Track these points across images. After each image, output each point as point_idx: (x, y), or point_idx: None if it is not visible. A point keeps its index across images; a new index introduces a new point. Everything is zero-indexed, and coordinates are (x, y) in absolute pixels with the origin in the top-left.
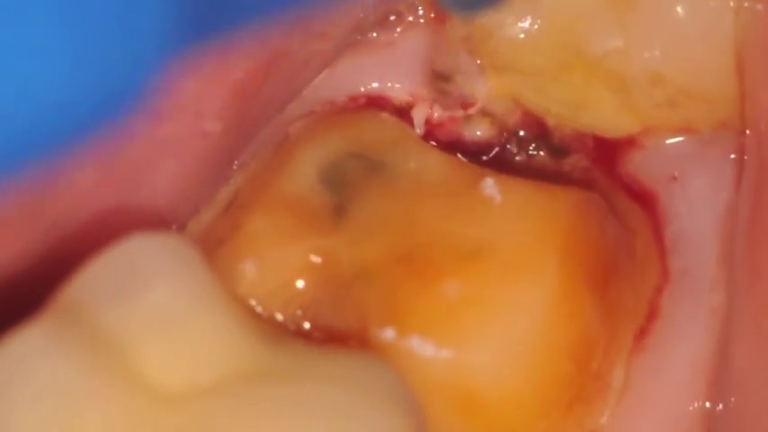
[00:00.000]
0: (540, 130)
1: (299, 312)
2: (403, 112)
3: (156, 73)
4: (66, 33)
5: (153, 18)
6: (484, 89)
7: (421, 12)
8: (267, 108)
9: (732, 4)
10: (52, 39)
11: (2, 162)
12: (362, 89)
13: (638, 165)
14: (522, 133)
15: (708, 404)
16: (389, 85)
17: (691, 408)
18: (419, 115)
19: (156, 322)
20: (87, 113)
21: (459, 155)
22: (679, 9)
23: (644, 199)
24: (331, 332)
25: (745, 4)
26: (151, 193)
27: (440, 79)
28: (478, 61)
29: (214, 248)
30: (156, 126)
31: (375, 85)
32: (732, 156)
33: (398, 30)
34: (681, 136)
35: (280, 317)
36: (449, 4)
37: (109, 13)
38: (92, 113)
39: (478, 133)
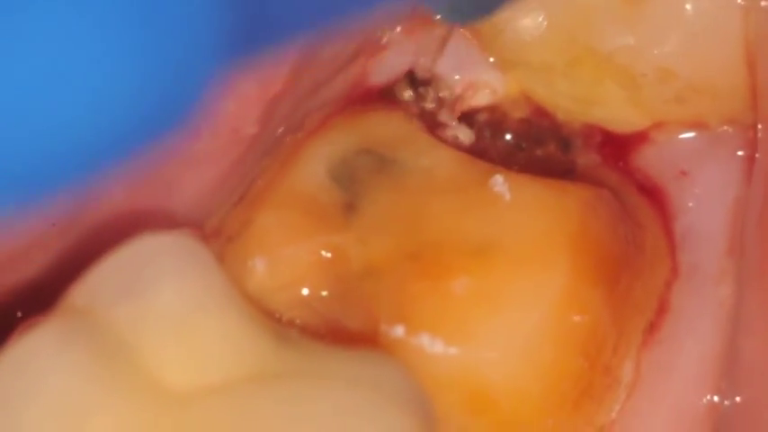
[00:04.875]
0: (549, 125)
1: (309, 309)
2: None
3: (208, 86)
4: (125, 42)
5: (209, 28)
6: (498, 84)
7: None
8: (292, 106)
9: (741, 1)
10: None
11: (49, 179)
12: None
13: (647, 160)
14: (531, 128)
15: (717, 398)
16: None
17: (701, 402)
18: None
19: (165, 322)
20: (140, 128)
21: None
22: (688, 6)
23: (653, 194)
24: (340, 329)
25: (762, 3)
26: (183, 199)
27: (419, 84)
28: (491, 59)
29: (224, 245)
30: (194, 142)
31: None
32: (740, 152)
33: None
34: (691, 131)
35: (289, 314)
36: (441, 14)
37: (166, 19)
38: (143, 128)
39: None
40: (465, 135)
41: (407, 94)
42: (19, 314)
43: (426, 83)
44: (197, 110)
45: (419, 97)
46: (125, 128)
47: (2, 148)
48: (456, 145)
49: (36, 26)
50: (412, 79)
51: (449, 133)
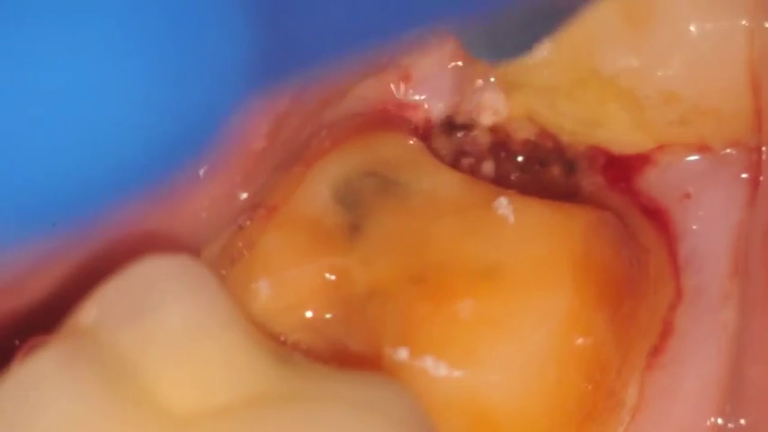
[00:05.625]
0: (554, 147)
1: (313, 332)
2: (419, 131)
3: (228, 117)
4: (143, 76)
5: (234, 57)
6: (500, 105)
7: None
8: (299, 124)
9: (745, 23)
10: (127, 81)
11: (63, 209)
12: (379, 107)
13: (651, 182)
14: (536, 150)
15: (721, 421)
16: (409, 101)
17: (705, 425)
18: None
19: (169, 344)
20: (158, 161)
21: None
22: (692, 28)
23: (657, 216)
24: (344, 352)
25: (767, 25)
26: (188, 219)
27: (455, 128)
28: (492, 79)
29: (228, 267)
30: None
31: (393, 102)
32: (744, 175)
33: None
34: (694, 154)
35: (293, 336)
36: (478, 54)
37: (189, 49)
38: (162, 161)
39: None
40: (487, 167)
41: (442, 139)
42: (17, 342)
43: (466, 127)
44: (220, 135)
45: (454, 142)
46: (147, 156)
47: (15, 176)
48: (476, 174)
49: (65, 47)
50: (449, 125)
51: (467, 162)
